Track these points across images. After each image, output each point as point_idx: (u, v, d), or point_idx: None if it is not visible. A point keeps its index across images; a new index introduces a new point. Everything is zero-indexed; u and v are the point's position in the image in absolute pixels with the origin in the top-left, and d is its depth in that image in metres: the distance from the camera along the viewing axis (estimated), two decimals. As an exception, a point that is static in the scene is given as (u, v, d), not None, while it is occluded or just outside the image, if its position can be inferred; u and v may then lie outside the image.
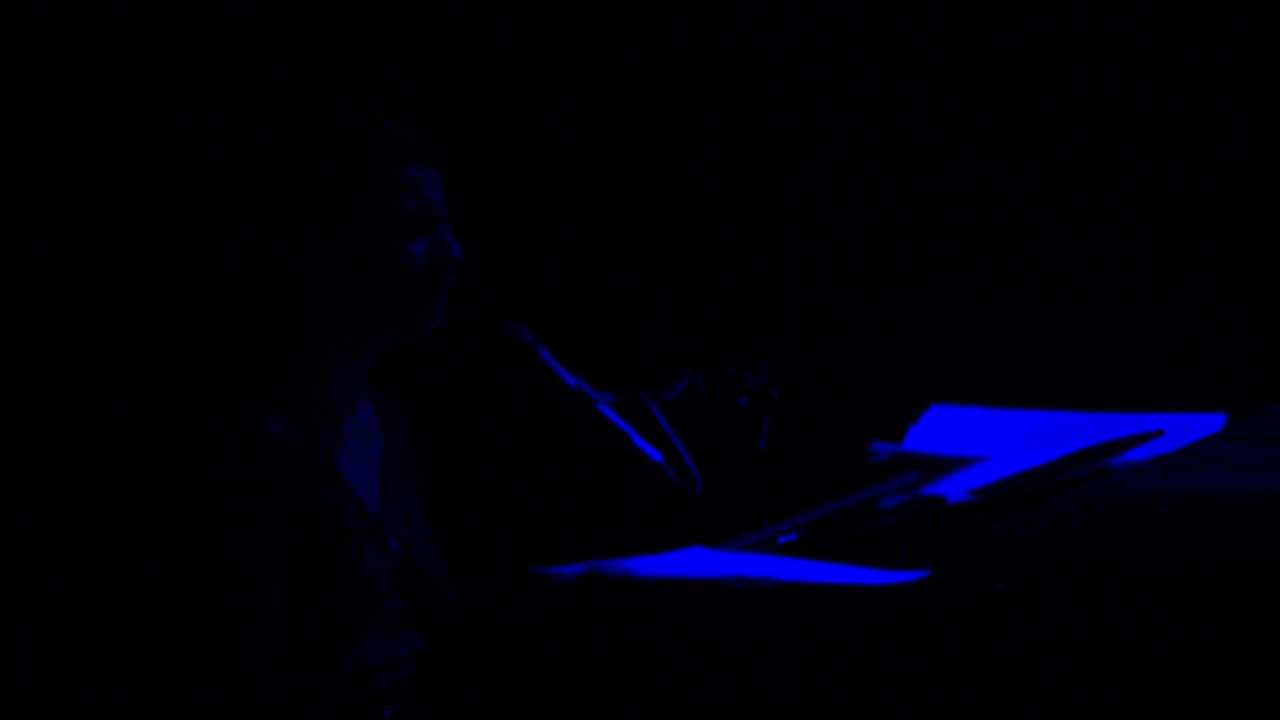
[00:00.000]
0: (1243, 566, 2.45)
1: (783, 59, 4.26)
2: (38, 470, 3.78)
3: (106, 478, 3.78)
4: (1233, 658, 2.43)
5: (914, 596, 2.54)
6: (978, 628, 2.50)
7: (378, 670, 2.80)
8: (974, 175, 4.26)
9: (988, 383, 3.51)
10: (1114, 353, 4.18)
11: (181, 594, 2.70)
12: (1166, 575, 2.47)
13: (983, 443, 3.12)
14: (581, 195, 4.25)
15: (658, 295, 4.26)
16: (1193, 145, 4.19)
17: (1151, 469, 2.80)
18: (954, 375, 4.13)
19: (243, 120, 3.88)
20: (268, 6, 3.95)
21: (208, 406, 2.75)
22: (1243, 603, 2.43)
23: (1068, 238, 4.25)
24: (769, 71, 4.27)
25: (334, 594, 2.76)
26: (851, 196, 4.29)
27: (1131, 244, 4.22)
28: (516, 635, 2.75)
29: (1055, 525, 2.64)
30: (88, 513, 3.78)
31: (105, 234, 3.85)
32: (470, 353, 3.33)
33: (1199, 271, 4.19)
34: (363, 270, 2.80)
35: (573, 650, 2.68)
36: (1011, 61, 4.23)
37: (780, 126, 4.28)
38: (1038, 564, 2.56)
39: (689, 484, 3.02)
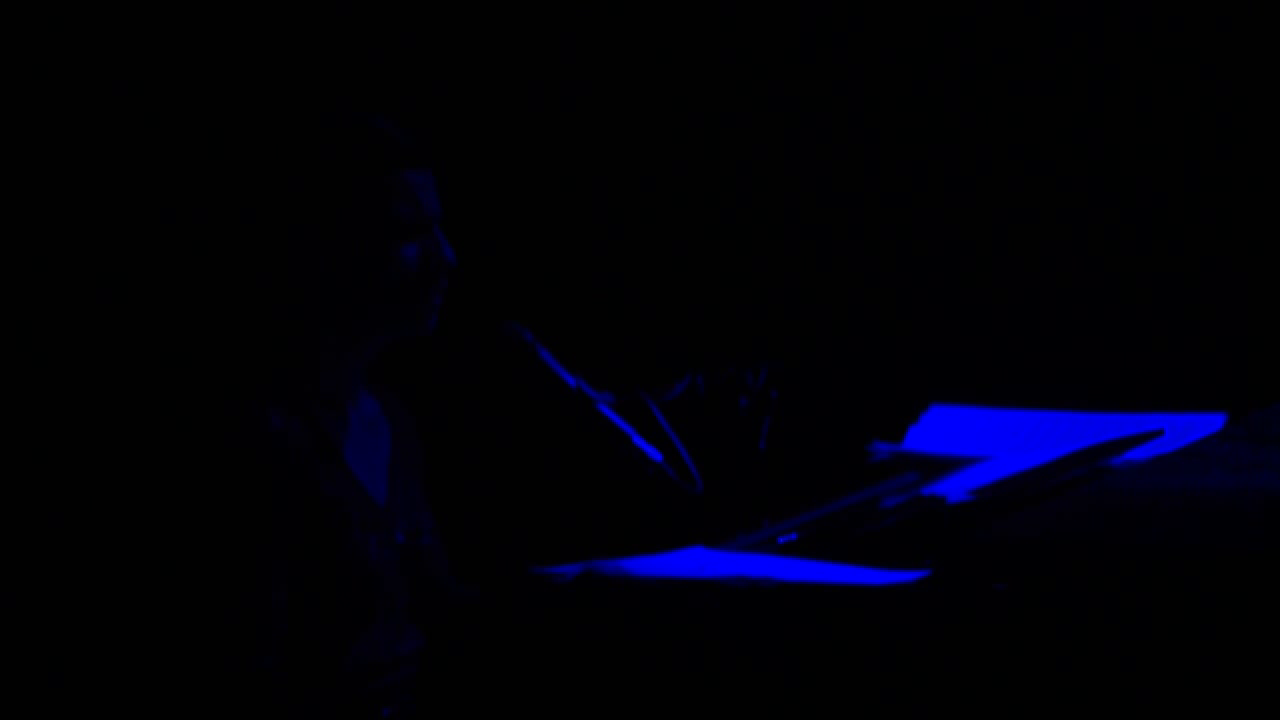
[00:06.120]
0: (1243, 566, 2.45)
1: (782, 58, 4.26)
2: (38, 467, 3.78)
3: (107, 474, 3.78)
4: (1233, 657, 2.43)
5: (914, 596, 2.54)
6: (978, 628, 2.50)
7: (379, 669, 2.80)
8: (974, 175, 4.26)
9: (988, 383, 3.51)
10: (1114, 353, 4.18)
11: (182, 591, 2.70)
12: (1166, 575, 2.47)
13: (983, 443, 3.13)
14: (581, 196, 4.25)
15: (657, 295, 4.26)
16: (1192, 145, 4.19)
17: (1151, 469, 2.80)
18: (954, 375, 4.13)
19: (239, 121, 3.88)
20: (264, 7, 3.95)
21: (208, 403, 2.75)
22: (1243, 603, 2.43)
23: (1067, 237, 4.25)
24: (770, 71, 4.27)
25: (338, 587, 2.76)
26: (851, 196, 4.29)
27: (1131, 244, 4.22)
28: (516, 635, 2.75)
29: (1055, 525, 2.64)
30: (88, 509, 3.78)
31: (105, 233, 3.85)
32: (470, 353, 3.33)
33: (1199, 271, 4.19)
34: (355, 272, 2.80)
35: (573, 650, 2.68)
36: (1012, 62, 4.23)
37: (780, 126, 4.28)
38: (1038, 564, 2.56)
39: (689, 484, 3.02)
